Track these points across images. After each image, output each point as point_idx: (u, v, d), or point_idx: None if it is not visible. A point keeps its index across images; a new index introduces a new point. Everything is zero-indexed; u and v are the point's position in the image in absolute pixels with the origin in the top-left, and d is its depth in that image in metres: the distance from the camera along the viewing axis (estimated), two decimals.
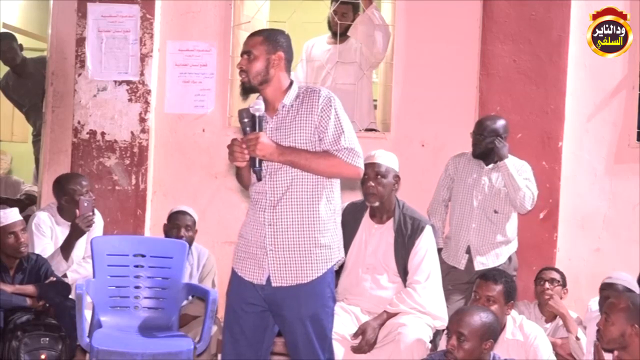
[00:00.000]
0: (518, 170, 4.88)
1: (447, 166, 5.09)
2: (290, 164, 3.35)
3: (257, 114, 3.35)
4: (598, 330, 3.64)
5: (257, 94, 3.50)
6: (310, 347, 3.42)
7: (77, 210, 4.83)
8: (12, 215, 4.62)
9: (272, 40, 3.43)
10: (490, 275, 4.14)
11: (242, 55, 3.47)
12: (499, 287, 4.06)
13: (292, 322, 3.42)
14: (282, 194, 3.38)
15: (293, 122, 3.40)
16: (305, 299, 3.40)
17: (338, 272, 3.94)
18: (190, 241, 4.98)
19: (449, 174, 5.06)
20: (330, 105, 3.38)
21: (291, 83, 3.47)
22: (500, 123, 4.90)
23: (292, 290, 3.39)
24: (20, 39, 7.13)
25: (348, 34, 5.74)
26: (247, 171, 3.48)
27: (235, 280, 3.52)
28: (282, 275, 3.39)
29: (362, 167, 3.43)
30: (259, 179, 3.39)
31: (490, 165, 4.92)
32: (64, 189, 4.99)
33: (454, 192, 5.03)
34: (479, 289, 4.12)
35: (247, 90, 3.47)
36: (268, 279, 3.43)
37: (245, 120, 3.36)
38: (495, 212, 4.89)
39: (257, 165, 3.35)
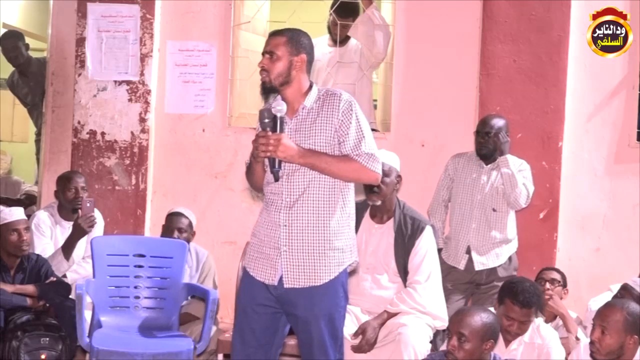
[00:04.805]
0: (517, 168, 4.88)
1: (446, 166, 5.09)
2: (310, 167, 3.33)
3: (278, 114, 3.31)
4: (592, 343, 3.63)
5: (276, 94, 3.47)
6: (323, 347, 3.41)
7: (80, 211, 4.84)
8: (16, 213, 4.65)
9: (295, 42, 3.40)
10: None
11: (263, 54, 3.44)
12: None
13: (307, 321, 3.41)
14: (299, 196, 3.37)
15: (313, 124, 3.38)
16: (320, 298, 3.39)
17: None
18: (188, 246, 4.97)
19: (449, 174, 5.06)
20: (352, 110, 3.37)
21: (311, 85, 3.45)
22: (504, 121, 4.92)
23: (305, 290, 3.39)
24: None
25: (348, 34, 5.73)
26: (260, 169, 3.45)
27: (247, 280, 3.50)
28: (295, 277, 3.38)
29: (381, 172, 3.43)
30: (276, 180, 3.36)
31: (490, 165, 4.92)
32: (58, 182, 5.03)
33: (453, 192, 5.03)
34: None
35: (267, 90, 3.42)
36: (280, 280, 3.41)
37: (266, 120, 3.31)
38: (494, 210, 4.89)
39: (276, 166, 3.31)
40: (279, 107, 3.32)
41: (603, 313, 3.68)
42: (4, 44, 6.89)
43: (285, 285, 3.39)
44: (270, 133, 3.29)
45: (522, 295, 4.07)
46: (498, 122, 4.88)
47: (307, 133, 3.38)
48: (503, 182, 4.84)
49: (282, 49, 3.38)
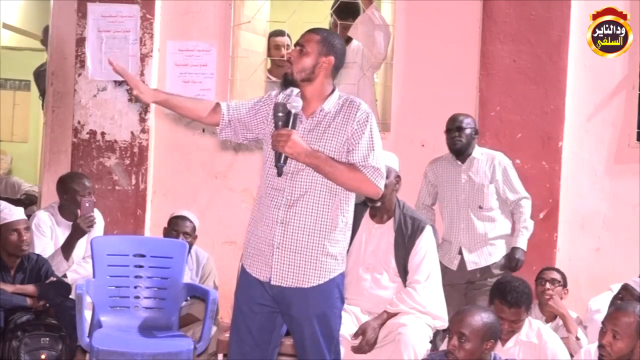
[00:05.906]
0: (494, 167, 4.90)
1: (425, 173, 5.10)
2: (314, 168, 3.34)
3: (293, 110, 3.34)
4: (602, 346, 3.60)
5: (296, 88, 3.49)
6: (317, 347, 3.41)
7: (79, 211, 4.84)
8: (16, 212, 4.64)
9: (328, 43, 3.43)
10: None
11: (295, 46, 3.48)
12: None
13: (300, 321, 3.42)
14: (300, 195, 3.37)
15: (327, 128, 3.39)
16: (314, 298, 3.40)
17: None
18: (188, 247, 4.96)
19: (429, 180, 5.08)
20: (367, 121, 3.39)
21: (333, 89, 3.47)
22: (470, 117, 4.98)
23: (300, 290, 3.39)
24: (20, 39, 7.13)
25: (348, 34, 5.73)
26: (175, 103, 3.52)
27: (244, 279, 3.51)
28: (283, 276, 3.39)
29: (383, 188, 3.43)
30: (279, 175, 3.37)
31: (466, 163, 4.92)
32: (66, 187, 5.00)
33: (439, 196, 5.05)
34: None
35: (289, 82, 3.44)
36: None
37: (280, 114, 3.34)
38: (480, 207, 4.90)
39: (281, 161, 3.33)
40: (295, 103, 3.34)
41: (614, 317, 3.63)
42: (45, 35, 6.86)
43: (272, 282, 3.40)
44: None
45: (510, 295, 4.08)
46: (466, 119, 4.91)
47: (320, 136, 3.39)
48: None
49: (312, 46, 3.41)
